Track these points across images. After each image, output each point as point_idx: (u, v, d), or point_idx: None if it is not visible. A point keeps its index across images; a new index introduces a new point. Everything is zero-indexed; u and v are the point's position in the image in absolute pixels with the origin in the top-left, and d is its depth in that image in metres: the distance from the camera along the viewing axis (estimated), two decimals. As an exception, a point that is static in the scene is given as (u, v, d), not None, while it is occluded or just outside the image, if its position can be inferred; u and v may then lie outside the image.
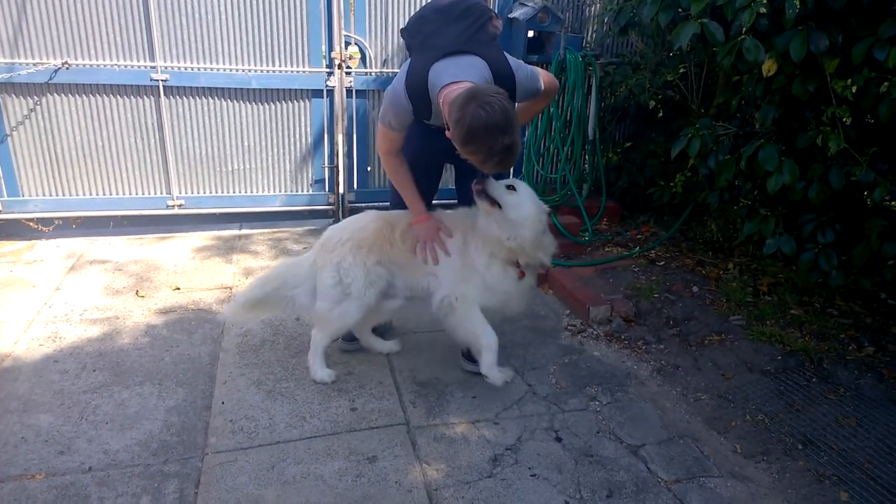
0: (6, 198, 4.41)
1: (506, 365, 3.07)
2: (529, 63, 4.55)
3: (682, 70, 4.43)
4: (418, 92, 2.43)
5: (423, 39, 2.52)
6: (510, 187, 2.59)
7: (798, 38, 2.48)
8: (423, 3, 4.54)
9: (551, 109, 4.55)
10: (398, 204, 2.92)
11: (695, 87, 4.31)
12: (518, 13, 4.55)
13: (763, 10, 2.50)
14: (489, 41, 2.53)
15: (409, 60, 2.56)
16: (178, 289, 3.81)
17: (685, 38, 2.69)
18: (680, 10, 2.87)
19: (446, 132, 2.28)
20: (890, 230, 2.73)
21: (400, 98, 2.48)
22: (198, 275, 4.04)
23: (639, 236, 4.59)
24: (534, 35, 4.72)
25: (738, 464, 2.50)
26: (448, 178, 4.83)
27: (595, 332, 3.49)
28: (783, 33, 2.55)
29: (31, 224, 4.49)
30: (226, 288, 3.85)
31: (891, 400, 2.76)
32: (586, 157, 4.73)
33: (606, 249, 4.40)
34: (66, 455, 2.40)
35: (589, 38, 5.02)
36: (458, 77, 2.32)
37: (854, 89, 2.42)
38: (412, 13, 4.51)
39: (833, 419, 2.67)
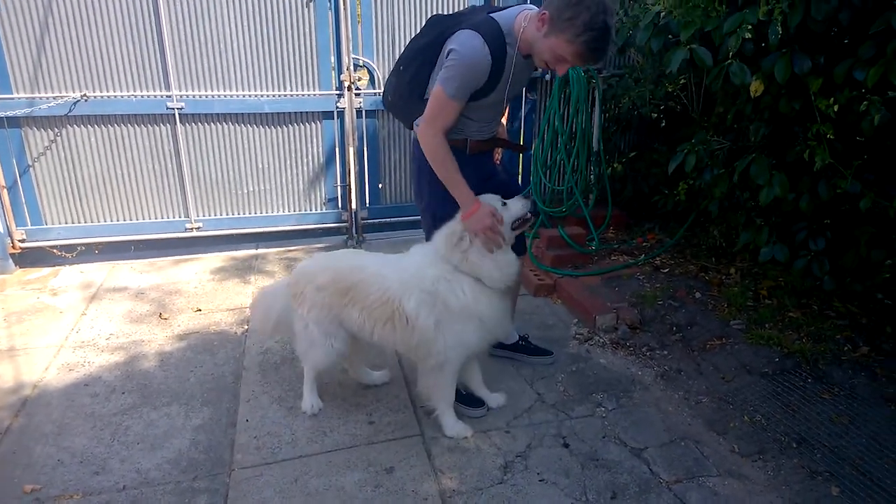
0: (30, 227, 4.61)
1: (515, 375, 3.21)
2: (533, 78, 4.69)
3: (682, 81, 4.55)
4: (495, 35, 2.40)
5: (450, 23, 2.53)
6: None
7: (782, 60, 2.61)
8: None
9: (555, 124, 4.69)
10: (433, 222, 2.80)
11: (695, 98, 4.43)
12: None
13: (748, 35, 2.62)
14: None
15: (450, 38, 2.46)
16: (200, 310, 3.98)
17: (676, 63, 2.82)
18: (670, 36, 3.01)
19: (539, 26, 2.34)
20: (878, 237, 2.84)
21: (477, 52, 2.38)
22: (217, 296, 4.20)
23: (644, 244, 4.71)
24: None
25: (735, 463, 2.61)
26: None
27: (601, 340, 3.61)
28: (768, 56, 2.68)
29: (54, 251, 4.68)
30: (245, 308, 4.02)
31: (883, 398, 2.86)
32: (592, 168, 4.86)
33: (613, 258, 4.52)
34: (101, 475, 2.55)
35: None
36: (521, 9, 2.46)
37: (836, 108, 2.54)
38: (414, 33, 4.69)
39: (827, 418, 2.78)
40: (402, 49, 2.70)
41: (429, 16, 4.65)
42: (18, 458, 2.65)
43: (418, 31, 2.64)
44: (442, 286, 2.56)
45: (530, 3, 2.71)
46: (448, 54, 2.44)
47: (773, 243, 3.15)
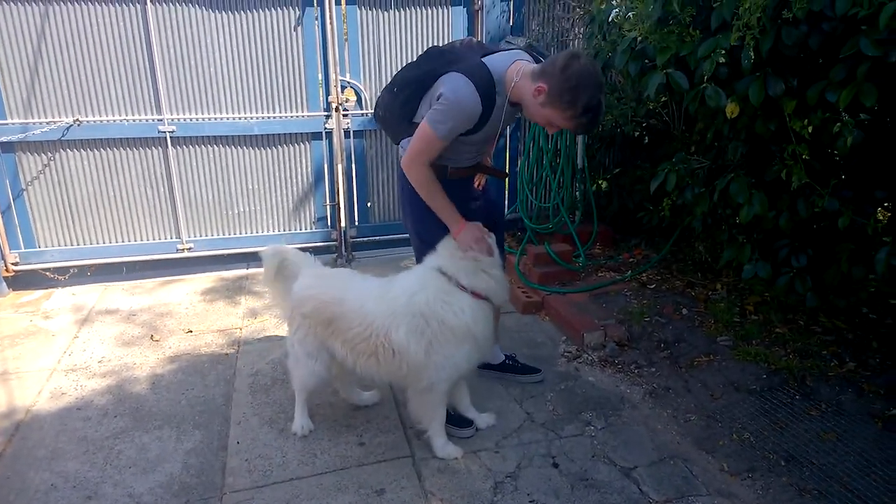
0: (23, 249, 4.62)
1: (505, 395, 3.24)
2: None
3: (663, 99, 4.63)
4: (486, 83, 2.48)
5: (449, 58, 2.60)
6: None
7: (756, 83, 2.67)
8: (412, 47, 4.81)
9: (540, 142, 4.75)
10: (419, 243, 2.91)
11: (676, 116, 4.50)
12: (504, 52, 4.76)
13: (722, 59, 2.69)
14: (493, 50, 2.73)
15: (443, 78, 2.53)
16: (191, 331, 4.00)
17: (652, 87, 2.89)
18: (647, 60, 3.08)
19: (535, 94, 2.42)
20: (858, 253, 2.89)
21: (468, 99, 2.46)
22: (208, 317, 4.22)
23: (631, 259, 4.76)
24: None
25: (724, 482, 2.64)
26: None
27: (590, 358, 3.65)
28: (742, 79, 2.74)
29: (47, 274, 4.70)
30: (235, 328, 4.03)
31: (870, 414, 2.90)
32: (577, 184, 4.92)
33: (600, 274, 4.57)
34: (93, 500, 2.56)
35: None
36: (512, 59, 2.54)
37: (811, 129, 2.61)
38: (403, 56, 4.78)
39: (815, 435, 2.82)
40: (395, 71, 2.78)
41: (414, 38, 4.81)
42: (12, 483, 2.66)
43: (411, 57, 2.72)
44: (439, 306, 2.57)
45: (515, 46, 2.74)
46: (439, 97, 2.50)
47: (756, 260, 3.20)
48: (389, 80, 2.81)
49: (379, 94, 2.86)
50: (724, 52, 2.67)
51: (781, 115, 2.76)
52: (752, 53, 2.56)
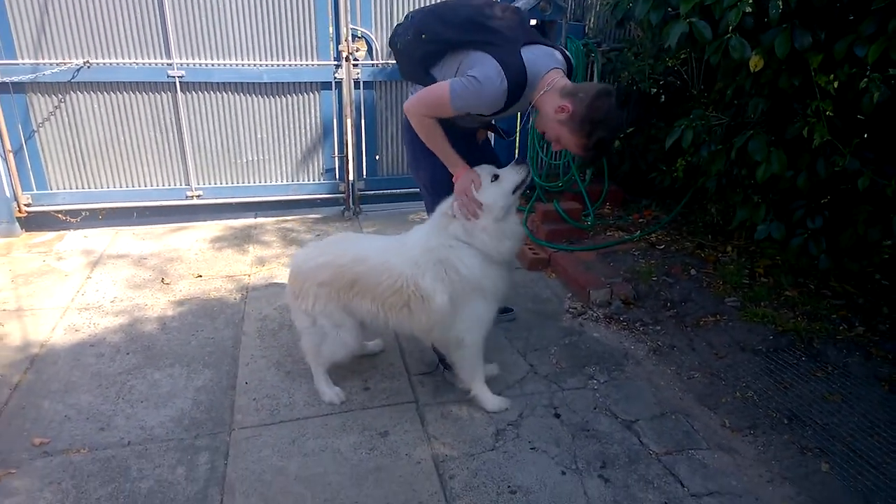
0: (35, 191, 4.64)
1: (509, 347, 3.27)
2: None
3: (682, 56, 4.53)
4: (518, 82, 2.47)
5: (487, 37, 2.52)
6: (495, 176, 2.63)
7: (782, 35, 2.59)
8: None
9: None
10: (429, 193, 2.94)
11: (695, 73, 4.41)
12: (520, 2, 4.65)
13: (749, 9, 2.61)
14: (536, 31, 2.67)
15: (479, 55, 2.50)
16: (200, 276, 4.03)
17: (674, 37, 2.81)
18: (670, 8, 2.99)
19: (558, 111, 2.43)
20: (875, 216, 2.85)
21: (495, 91, 2.45)
22: (217, 263, 4.25)
23: (640, 220, 4.73)
24: (536, 24, 4.83)
25: (725, 437, 2.67)
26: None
27: (595, 315, 3.65)
28: (768, 31, 2.66)
29: (59, 216, 4.72)
30: (244, 275, 4.06)
31: (876, 377, 2.90)
32: (590, 143, 4.83)
33: (608, 233, 4.55)
34: (106, 431, 2.63)
35: (591, 26, 5.13)
36: (550, 65, 2.54)
37: (836, 84, 2.54)
38: (415, 5, 4.68)
39: (819, 396, 2.82)
40: (426, 15, 2.65)
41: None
42: (27, 412, 2.72)
43: (416, 3, 2.59)
44: (449, 253, 2.58)
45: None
46: (469, 74, 2.46)
47: (770, 221, 3.16)
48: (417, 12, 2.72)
49: (399, 24, 2.78)
50: (751, 0, 2.58)
51: (807, 69, 2.69)
52: (780, 3, 2.48)
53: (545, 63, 2.53)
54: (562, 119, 2.45)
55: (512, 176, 2.61)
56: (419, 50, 2.65)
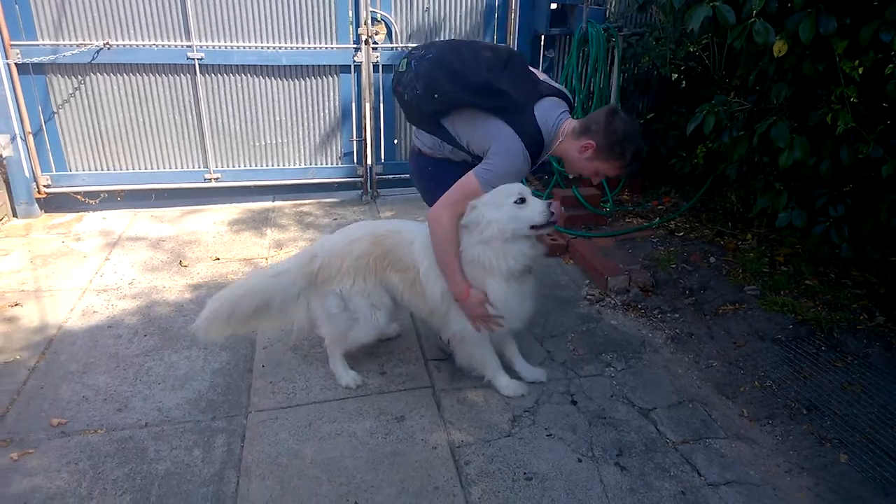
0: (55, 172, 4.68)
1: (527, 333, 3.25)
2: (551, 35, 4.64)
3: (704, 41, 4.45)
4: (535, 144, 2.53)
5: (503, 104, 2.51)
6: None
7: (807, 20, 2.54)
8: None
9: (573, 83, 4.62)
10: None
11: (717, 59, 4.33)
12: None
13: (773, -8, 2.56)
14: (540, 82, 2.67)
15: (496, 125, 2.51)
16: (218, 259, 4.05)
17: (697, 20, 2.75)
18: (693, -8, 2.94)
19: (582, 151, 2.54)
20: (899, 204, 2.80)
21: (521, 163, 2.51)
22: (235, 246, 4.27)
23: (659, 207, 4.68)
24: (557, 7, 4.77)
25: (743, 427, 2.65)
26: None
27: (613, 302, 3.63)
28: (793, 15, 2.60)
29: (78, 197, 4.76)
30: (261, 258, 4.08)
31: (896, 368, 2.86)
32: (609, 128, 4.78)
33: (627, 220, 4.51)
34: (123, 412, 2.66)
35: (612, 10, 5.05)
36: (560, 117, 2.61)
37: (861, 70, 2.47)
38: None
39: (839, 386, 2.79)
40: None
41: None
42: (46, 393, 2.76)
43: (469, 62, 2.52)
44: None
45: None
46: (490, 151, 2.51)
47: (792, 208, 3.11)
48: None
49: (401, 71, 2.67)
50: (775, -17, 2.53)
51: (831, 54, 2.63)
52: (805, -14, 2.43)
53: (556, 116, 2.59)
54: (590, 156, 2.54)
55: (536, 209, 2.50)
56: (431, 107, 2.61)
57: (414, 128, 2.90)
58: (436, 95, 2.55)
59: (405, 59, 2.65)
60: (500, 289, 2.56)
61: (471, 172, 2.51)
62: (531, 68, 2.74)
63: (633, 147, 2.51)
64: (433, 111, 2.62)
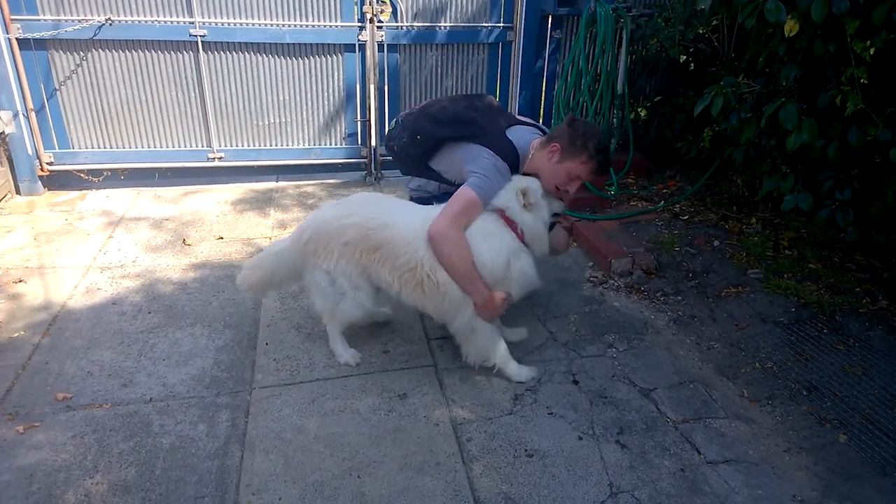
0: (57, 150, 4.67)
1: (529, 314, 3.26)
2: (559, 15, 4.64)
3: (714, 23, 4.41)
4: (513, 160, 2.75)
5: (475, 131, 2.77)
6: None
7: (819, -1, 2.52)
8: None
9: (580, 64, 4.58)
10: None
11: (727, 41, 4.29)
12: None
13: (786, -30, 2.53)
14: (513, 116, 3.04)
15: (470, 147, 2.75)
16: (222, 238, 4.05)
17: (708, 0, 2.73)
18: (704, -29, 2.90)
19: (550, 156, 2.71)
20: (906, 188, 2.79)
21: (503, 173, 2.71)
22: (238, 225, 4.27)
23: (665, 190, 4.66)
24: (565, -12, 4.72)
25: (743, 407, 2.66)
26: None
27: (616, 284, 3.63)
28: (805, -6, 2.58)
29: (81, 175, 4.75)
30: (265, 238, 4.08)
31: (898, 351, 2.87)
32: (615, 111, 4.76)
33: (632, 203, 4.49)
34: (128, 387, 2.68)
35: (621, -10, 4.99)
36: (532, 137, 2.87)
37: (872, 51, 2.45)
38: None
39: (840, 368, 2.80)
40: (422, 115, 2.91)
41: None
42: (51, 368, 2.78)
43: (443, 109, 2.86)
44: (479, 245, 2.60)
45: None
46: (469, 169, 2.69)
47: (798, 191, 3.11)
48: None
49: (392, 128, 3.03)
50: (788, -39, 2.50)
51: (843, 35, 2.61)
52: (818, -36, 2.40)
53: (527, 136, 2.84)
54: (558, 158, 2.69)
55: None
56: (417, 150, 2.89)
57: (406, 183, 3.22)
58: (418, 136, 2.86)
59: (396, 119, 3.04)
60: (532, 262, 2.75)
61: (464, 188, 2.64)
62: (511, 113, 3.04)
63: (595, 140, 2.66)
64: (420, 154, 2.89)
